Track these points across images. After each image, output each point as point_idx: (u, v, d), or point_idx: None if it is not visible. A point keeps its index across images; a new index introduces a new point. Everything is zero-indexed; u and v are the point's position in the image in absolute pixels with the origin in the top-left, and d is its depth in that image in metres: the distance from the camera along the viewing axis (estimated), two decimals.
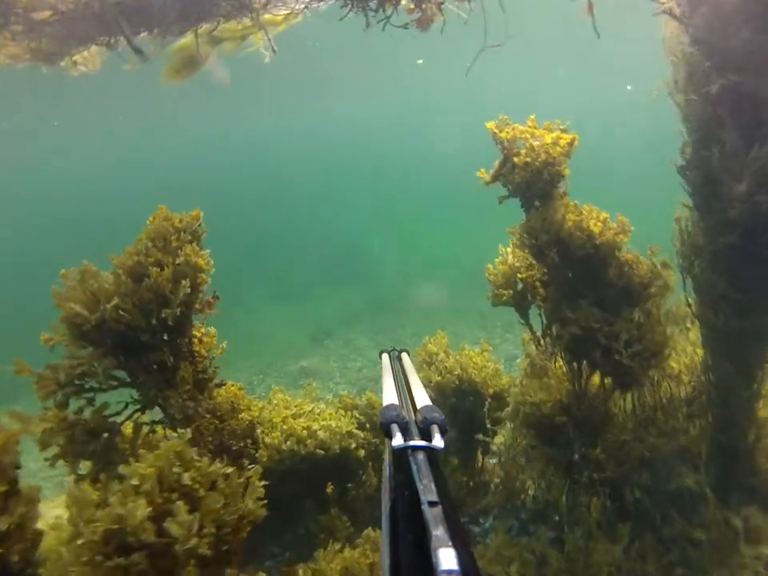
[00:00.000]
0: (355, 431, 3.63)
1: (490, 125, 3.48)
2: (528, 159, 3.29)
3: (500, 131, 3.43)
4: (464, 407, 3.93)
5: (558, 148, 3.30)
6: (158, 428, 2.81)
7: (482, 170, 3.54)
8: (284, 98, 30.34)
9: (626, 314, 3.26)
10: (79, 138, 25.52)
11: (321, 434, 3.43)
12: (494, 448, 4.27)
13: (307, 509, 3.56)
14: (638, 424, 3.52)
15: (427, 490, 0.86)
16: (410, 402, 1.40)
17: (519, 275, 3.66)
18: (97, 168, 35.42)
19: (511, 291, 3.68)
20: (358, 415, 3.82)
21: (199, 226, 2.96)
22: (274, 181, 43.74)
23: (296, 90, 29.96)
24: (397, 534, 0.86)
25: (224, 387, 3.16)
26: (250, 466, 2.11)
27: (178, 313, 2.63)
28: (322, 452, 3.39)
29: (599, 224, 3.24)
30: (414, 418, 1.25)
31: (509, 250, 3.81)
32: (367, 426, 3.85)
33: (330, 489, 3.72)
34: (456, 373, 3.92)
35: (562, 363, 3.67)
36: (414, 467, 0.96)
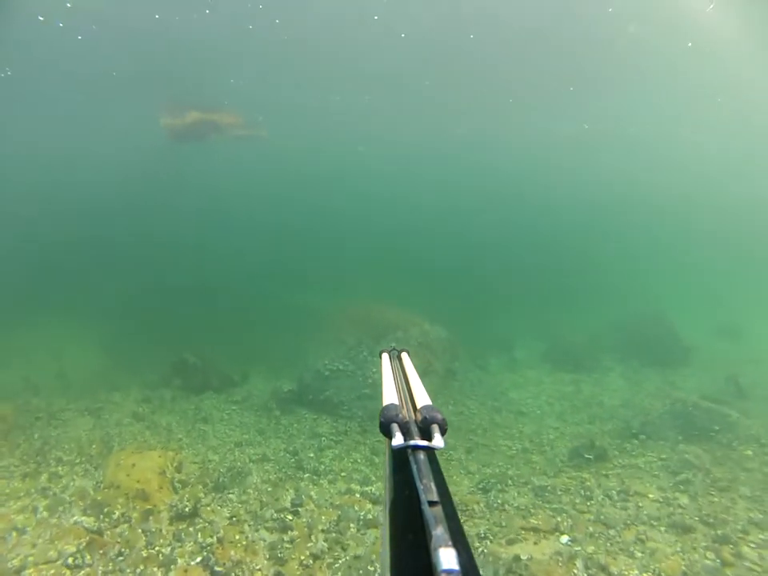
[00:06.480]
0: None
1: None
2: None
3: None
4: None
5: None
6: None
7: None
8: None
9: None
10: None
11: None
12: None
13: None
14: None
15: (427, 490, 0.85)
16: (409, 402, 1.39)
17: None
18: None
19: None
20: None
21: None
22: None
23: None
24: (397, 534, 0.85)
25: None
26: None
27: None
28: None
29: None
30: (414, 417, 1.23)
31: None
32: None
33: None
34: None
35: None
36: (414, 467, 0.95)
